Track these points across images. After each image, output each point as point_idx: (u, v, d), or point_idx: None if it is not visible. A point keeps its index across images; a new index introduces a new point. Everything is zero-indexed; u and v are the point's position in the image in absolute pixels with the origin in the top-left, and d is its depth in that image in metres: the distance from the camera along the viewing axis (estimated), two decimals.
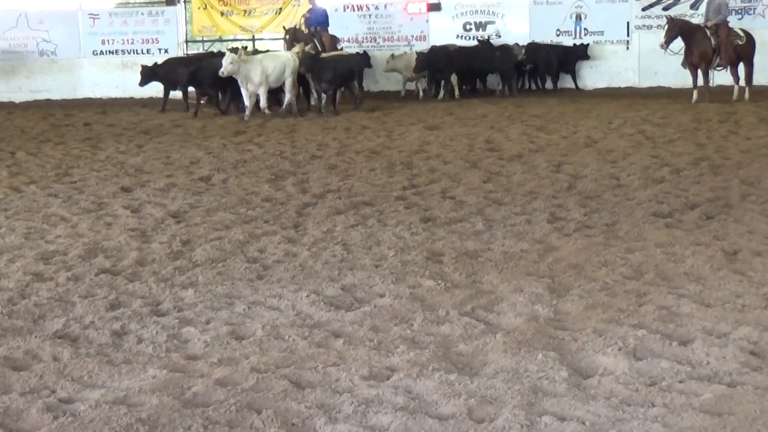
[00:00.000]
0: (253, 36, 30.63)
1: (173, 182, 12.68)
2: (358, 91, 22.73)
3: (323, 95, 21.59)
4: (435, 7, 28.67)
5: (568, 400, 5.25)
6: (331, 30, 28.63)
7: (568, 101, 22.99)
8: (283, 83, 21.32)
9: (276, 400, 5.33)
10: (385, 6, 28.91)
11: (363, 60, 24.26)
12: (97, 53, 28.32)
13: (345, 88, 22.81)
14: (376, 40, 28.58)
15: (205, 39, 29.84)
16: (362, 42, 28.43)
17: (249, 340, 6.35)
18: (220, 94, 22.30)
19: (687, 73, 22.70)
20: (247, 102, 20.71)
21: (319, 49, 23.93)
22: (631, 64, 27.69)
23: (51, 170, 13.94)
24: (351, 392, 5.42)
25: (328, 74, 21.09)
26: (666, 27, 22.19)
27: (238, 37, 30.37)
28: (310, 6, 26.18)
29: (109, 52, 28.48)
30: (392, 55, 26.66)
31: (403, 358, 5.90)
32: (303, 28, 25.59)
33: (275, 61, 21.26)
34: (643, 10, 27.46)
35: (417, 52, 24.98)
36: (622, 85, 27.38)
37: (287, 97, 21.47)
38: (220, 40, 30.53)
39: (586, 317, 6.67)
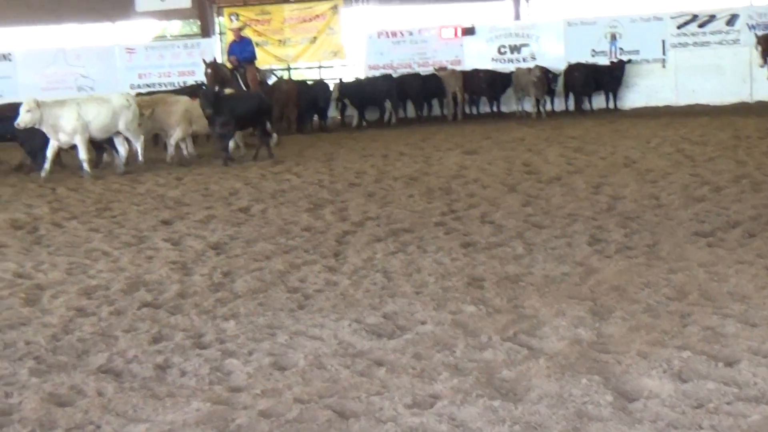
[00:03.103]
0: (288, 65, 30.84)
1: (213, 214, 12.72)
2: (261, 136, 19.21)
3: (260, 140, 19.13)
4: (469, 32, 28.76)
5: (614, 424, 5.19)
6: (367, 57, 28.82)
7: (605, 122, 22.92)
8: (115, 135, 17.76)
9: (320, 431, 5.31)
10: (419, 31, 29.08)
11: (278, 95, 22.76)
12: (134, 87, 28.55)
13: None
14: (411, 65, 28.69)
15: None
16: (397, 68, 28.56)
17: (291, 370, 6.33)
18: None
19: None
20: (83, 155, 17.19)
21: (242, 86, 22.30)
22: (668, 82, 27.68)
23: (92, 205, 14.04)
24: (395, 421, 5.39)
25: (224, 116, 17.79)
26: (760, 46, 21.97)
27: (273, 66, 30.56)
28: (235, 39, 24.11)
29: (147, 85, 28.74)
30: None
31: (446, 386, 5.87)
32: (227, 62, 23.40)
33: (101, 106, 17.40)
34: (679, 28, 27.42)
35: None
36: (660, 104, 27.32)
37: (134, 147, 17.99)
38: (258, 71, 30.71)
39: (630, 340, 6.61)
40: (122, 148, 17.90)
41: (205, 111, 17.60)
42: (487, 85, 27.36)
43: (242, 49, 23.39)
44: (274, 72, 26.57)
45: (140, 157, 18.06)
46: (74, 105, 17.24)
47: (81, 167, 17.33)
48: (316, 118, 26.68)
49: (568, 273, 8.60)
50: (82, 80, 29.55)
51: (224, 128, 18.03)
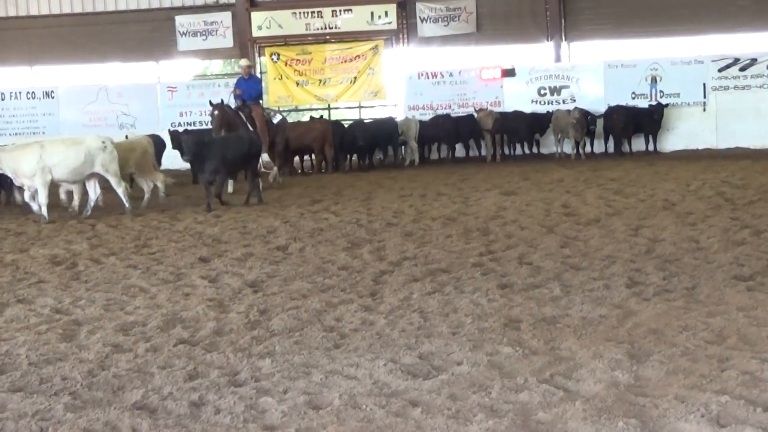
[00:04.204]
0: (329, 105, 31.02)
1: (250, 252, 12.75)
2: (252, 179, 18.45)
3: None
4: (509, 73, 28.82)
5: None
6: (407, 98, 28.90)
7: (644, 164, 22.85)
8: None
9: None
10: (460, 72, 29.14)
11: (267, 136, 21.71)
12: (175, 125, 28.74)
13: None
14: (451, 106, 28.75)
15: (280, 109, 30.21)
16: (437, 109, 28.63)
17: (326, 409, 6.32)
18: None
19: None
20: (41, 199, 16.65)
21: (250, 127, 21.26)
22: (709, 125, 27.56)
23: (130, 242, 14.12)
24: None
25: (212, 161, 17.36)
26: None
27: (314, 106, 30.78)
28: (243, 76, 23.20)
29: (187, 123, 28.94)
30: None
31: (481, 427, 5.83)
32: (232, 102, 22.25)
33: (70, 148, 16.80)
34: (720, 71, 27.34)
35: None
36: (700, 147, 27.21)
37: (119, 191, 17.32)
38: (296, 110, 30.93)
39: (668, 383, 6.55)
40: (92, 192, 17.31)
41: (183, 157, 17.24)
42: (524, 126, 27.39)
43: (249, 87, 22.67)
44: (280, 111, 26.39)
45: (126, 204, 17.39)
46: (36, 148, 16.68)
47: (40, 211, 16.83)
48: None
49: (606, 315, 8.54)
50: (123, 117, 29.84)
51: (213, 174, 17.59)
